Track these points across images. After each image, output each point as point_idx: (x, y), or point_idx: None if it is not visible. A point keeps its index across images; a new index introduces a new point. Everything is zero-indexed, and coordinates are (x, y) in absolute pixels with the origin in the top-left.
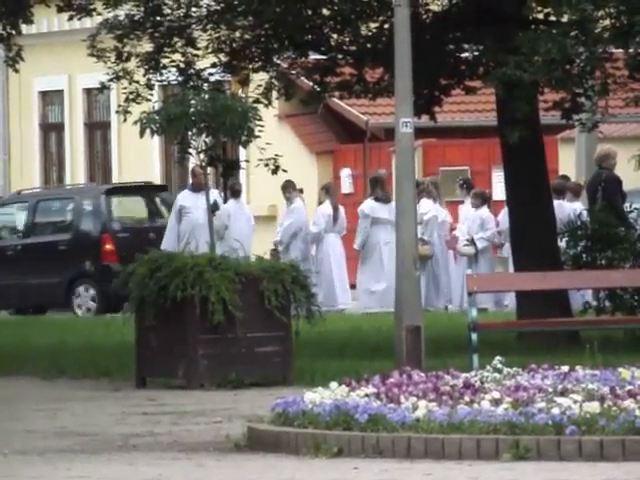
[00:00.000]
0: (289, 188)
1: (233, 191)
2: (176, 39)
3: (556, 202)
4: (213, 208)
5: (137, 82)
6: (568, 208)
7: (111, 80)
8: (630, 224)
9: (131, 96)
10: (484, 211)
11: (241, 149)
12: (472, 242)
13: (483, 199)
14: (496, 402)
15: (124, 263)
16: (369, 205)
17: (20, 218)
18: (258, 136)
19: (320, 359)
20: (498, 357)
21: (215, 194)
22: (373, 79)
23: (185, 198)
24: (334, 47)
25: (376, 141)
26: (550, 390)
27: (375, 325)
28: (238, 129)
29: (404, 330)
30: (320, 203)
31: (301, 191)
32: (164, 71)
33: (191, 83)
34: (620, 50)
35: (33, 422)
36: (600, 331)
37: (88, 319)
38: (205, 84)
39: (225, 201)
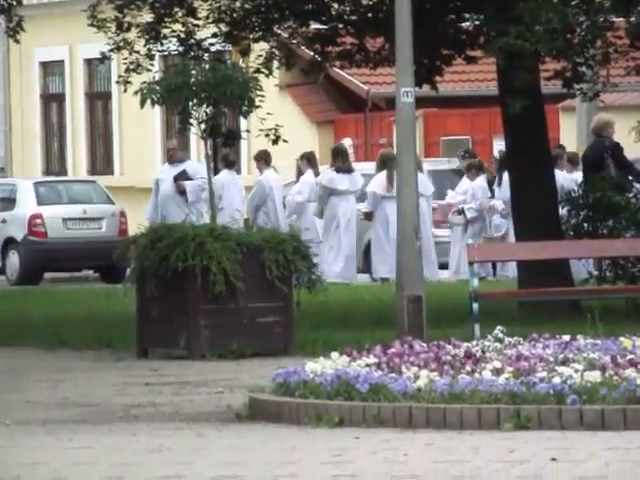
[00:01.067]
0: (260, 159)
1: (227, 162)
2: (176, 9)
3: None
4: (179, 177)
5: (137, 52)
6: (562, 178)
7: (112, 50)
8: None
9: (132, 66)
10: (478, 181)
11: (242, 119)
12: (462, 212)
13: (477, 169)
14: (497, 372)
15: None
16: (327, 176)
17: None
18: (259, 106)
19: (321, 329)
20: (499, 327)
21: (189, 164)
22: (374, 49)
23: (162, 171)
24: (335, 16)
25: (377, 111)
26: (551, 359)
27: (376, 295)
28: (239, 99)
29: (405, 300)
30: (301, 173)
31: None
32: (164, 41)
33: (192, 53)
34: (621, 19)
35: (34, 393)
36: (601, 300)
37: (89, 290)
38: (206, 54)
39: (216, 172)
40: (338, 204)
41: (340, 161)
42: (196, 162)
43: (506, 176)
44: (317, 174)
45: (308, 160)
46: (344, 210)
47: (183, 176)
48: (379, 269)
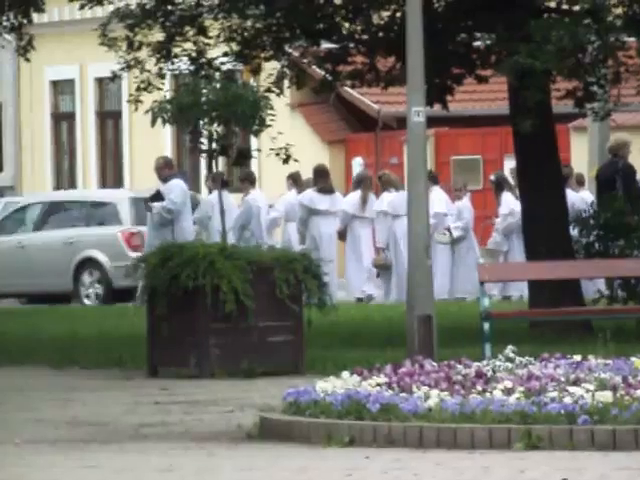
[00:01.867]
0: (244, 180)
1: (252, 181)
2: (187, 28)
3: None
4: (153, 198)
5: (148, 71)
6: (573, 197)
7: (122, 69)
8: None
9: (142, 85)
10: (464, 201)
11: (253, 138)
12: (449, 231)
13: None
14: (508, 391)
15: None
16: (308, 196)
17: None
18: (270, 125)
19: (332, 348)
20: (510, 346)
21: (168, 184)
22: (385, 68)
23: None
24: (346, 36)
25: (388, 130)
26: (562, 379)
27: (387, 314)
28: (250, 118)
29: (416, 319)
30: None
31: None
32: (175, 60)
33: (203, 72)
34: (632, 38)
35: (44, 412)
36: (612, 320)
37: (100, 308)
38: (217, 73)
39: (210, 192)
40: (318, 225)
41: (322, 181)
42: (178, 182)
43: (504, 196)
44: (299, 193)
45: (294, 180)
46: (325, 230)
47: (158, 197)
48: (353, 289)
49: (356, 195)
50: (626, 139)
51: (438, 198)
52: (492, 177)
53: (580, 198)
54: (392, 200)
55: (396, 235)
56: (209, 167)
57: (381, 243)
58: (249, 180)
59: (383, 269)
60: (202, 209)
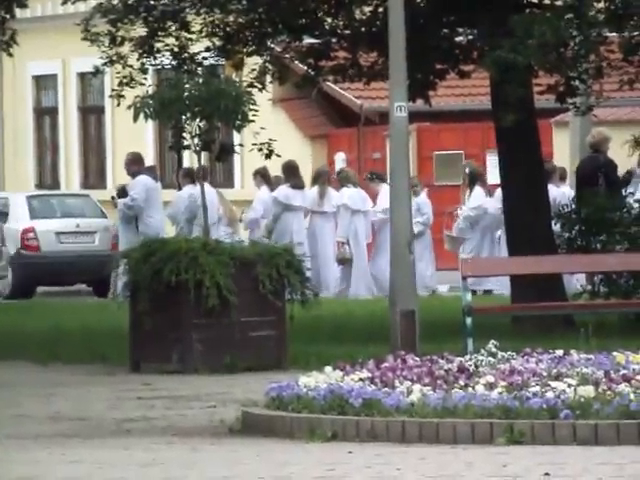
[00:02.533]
0: (185, 176)
1: (198, 177)
2: (170, 23)
3: None
4: (119, 193)
5: (131, 66)
6: (555, 192)
7: (105, 64)
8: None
9: (125, 80)
10: (422, 196)
11: (235, 133)
12: None
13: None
14: (490, 386)
15: None
16: (283, 192)
17: None
18: (252, 120)
19: (314, 343)
20: (492, 341)
21: (134, 180)
22: (367, 63)
23: None
24: (328, 31)
25: (370, 125)
26: (544, 374)
27: (370, 309)
28: (232, 113)
29: (398, 314)
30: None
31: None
32: (158, 55)
33: (185, 67)
34: (614, 33)
35: (27, 407)
36: (594, 315)
37: (82, 303)
38: (199, 68)
39: (179, 187)
40: (292, 220)
41: (293, 177)
42: (143, 178)
43: (476, 190)
44: (272, 190)
45: (262, 176)
46: (297, 226)
47: (124, 192)
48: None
49: (314, 191)
50: (606, 134)
51: (388, 195)
52: (466, 169)
53: (562, 193)
54: (352, 195)
55: (357, 230)
56: (179, 162)
57: (342, 237)
58: (190, 176)
59: (343, 263)
60: (174, 205)
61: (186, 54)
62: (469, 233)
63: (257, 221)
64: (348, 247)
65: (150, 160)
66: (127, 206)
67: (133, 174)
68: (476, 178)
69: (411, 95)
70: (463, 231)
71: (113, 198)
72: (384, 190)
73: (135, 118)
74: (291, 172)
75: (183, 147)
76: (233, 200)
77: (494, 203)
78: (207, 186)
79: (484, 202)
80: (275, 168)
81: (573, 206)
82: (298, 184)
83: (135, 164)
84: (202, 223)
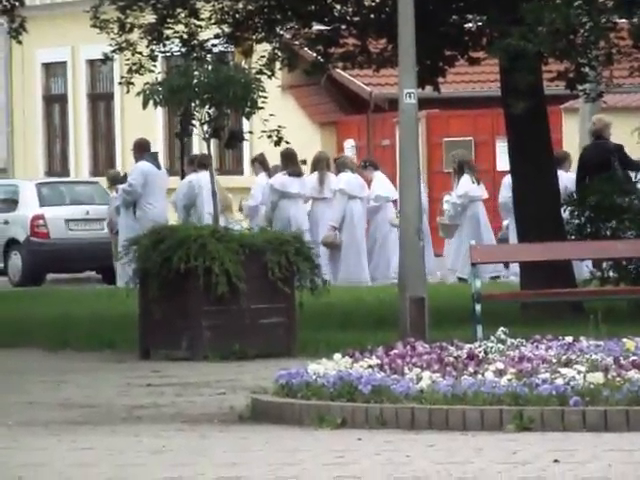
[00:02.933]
0: (188, 163)
1: (199, 164)
2: (179, 10)
3: None
4: (122, 181)
5: (140, 53)
6: (565, 179)
7: (114, 51)
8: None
9: (134, 67)
10: None
11: (244, 120)
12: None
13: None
14: (500, 373)
15: None
16: (280, 180)
17: None
18: (261, 107)
19: (324, 330)
20: (502, 328)
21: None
22: (377, 50)
23: None
24: (337, 18)
25: (380, 112)
26: (554, 361)
27: (379, 296)
28: (241, 100)
29: (408, 301)
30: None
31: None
32: (167, 42)
33: (194, 54)
34: (624, 20)
35: (37, 394)
36: (604, 302)
37: (92, 291)
38: (208, 55)
39: (183, 174)
40: (289, 207)
41: (291, 165)
42: (142, 164)
43: (463, 178)
44: (270, 177)
45: (260, 163)
46: (295, 213)
47: (121, 178)
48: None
49: (314, 177)
50: (607, 120)
51: (380, 182)
52: (455, 158)
53: (572, 180)
54: (348, 180)
55: (353, 215)
56: (182, 150)
57: (334, 222)
58: (191, 163)
59: (331, 247)
60: (178, 192)
61: (195, 41)
62: (459, 219)
63: (256, 208)
64: (338, 233)
65: (159, 147)
66: (125, 191)
67: (136, 160)
68: (464, 167)
69: (420, 82)
70: (454, 218)
71: (112, 184)
72: (377, 178)
73: (144, 105)
74: (289, 159)
75: (187, 134)
76: (242, 187)
77: (480, 192)
78: (205, 174)
79: (470, 190)
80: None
81: (578, 193)
82: (295, 171)
83: (138, 150)
84: (200, 211)
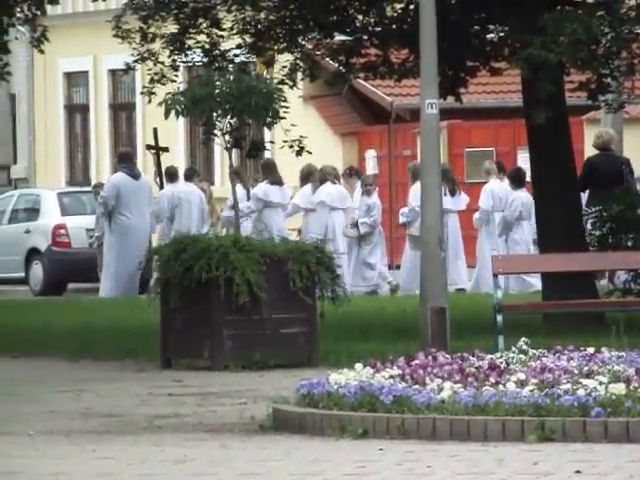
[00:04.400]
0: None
1: (186, 175)
2: (201, 20)
3: None
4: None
5: (162, 63)
6: None
7: (136, 61)
8: None
9: (156, 77)
10: (373, 198)
11: (266, 130)
12: (356, 225)
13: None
14: (521, 384)
15: None
16: (263, 189)
17: None
18: (283, 117)
19: (345, 340)
20: (524, 338)
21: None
22: (398, 60)
23: None
24: (359, 28)
25: (401, 122)
26: (576, 371)
27: (399, 306)
28: (263, 110)
29: (429, 311)
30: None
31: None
32: (189, 52)
33: (216, 64)
34: None
35: (58, 403)
36: (626, 312)
37: (113, 300)
38: (230, 65)
39: (161, 185)
40: (271, 217)
41: (271, 174)
42: (116, 175)
43: (415, 186)
44: (246, 189)
45: (237, 175)
46: (277, 222)
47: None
48: None
49: (307, 189)
50: (614, 134)
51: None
52: (410, 165)
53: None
54: (329, 192)
55: (334, 226)
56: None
57: (315, 233)
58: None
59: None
60: (158, 202)
61: (217, 51)
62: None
63: (232, 220)
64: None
65: (180, 157)
66: (99, 204)
67: (117, 170)
68: (417, 175)
69: (442, 92)
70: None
71: (95, 193)
72: (359, 187)
73: (166, 115)
74: (269, 169)
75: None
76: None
77: (451, 204)
78: (191, 185)
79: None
80: (302, 165)
81: (593, 207)
82: (276, 180)
83: (118, 161)
84: (186, 223)
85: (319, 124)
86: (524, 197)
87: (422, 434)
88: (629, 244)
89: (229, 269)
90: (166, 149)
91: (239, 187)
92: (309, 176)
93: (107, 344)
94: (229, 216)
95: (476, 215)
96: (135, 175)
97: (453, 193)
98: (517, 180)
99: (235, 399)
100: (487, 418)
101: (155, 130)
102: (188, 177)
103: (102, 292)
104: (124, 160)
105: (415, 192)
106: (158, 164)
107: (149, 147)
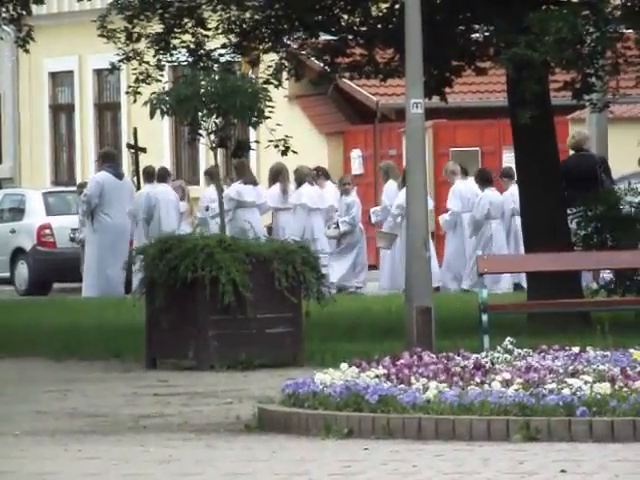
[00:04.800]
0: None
1: (159, 175)
2: (186, 20)
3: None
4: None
5: (147, 63)
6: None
7: (121, 61)
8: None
9: (141, 77)
10: (352, 196)
11: (251, 130)
12: (337, 225)
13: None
14: (507, 383)
15: None
16: (235, 189)
17: None
18: (268, 117)
19: (330, 340)
20: (509, 338)
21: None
22: (384, 60)
23: None
24: (344, 28)
25: (386, 122)
26: (561, 371)
27: (385, 306)
28: (248, 110)
29: (414, 311)
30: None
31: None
32: (174, 52)
33: (201, 64)
34: (631, 30)
35: (44, 403)
36: (611, 312)
37: (98, 300)
38: (215, 65)
39: (138, 186)
40: (245, 216)
41: (244, 174)
42: (98, 175)
43: (387, 185)
44: (219, 189)
45: (210, 176)
46: (254, 222)
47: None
48: None
49: (276, 188)
50: (587, 133)
51: (332, 192)
52: (382, 165)
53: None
54: (309, 193)
55: (313, 228)
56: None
57: (294, 235)
58: (148, 175)
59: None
60: (136, 202)
61: (202, 51)
62: (398, 229)
63: (205, 220)
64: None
65: (166, 157)
66: (82, 202)
67: (97, 170)
68: (389, 173)
69: (427, 92)
70: (393, 228)
71: (79, 193)
72: (328, 187)
73: (151, 115)
74: (242, 170)
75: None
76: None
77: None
78: (164, 186)
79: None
80: (288, 165)
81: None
82: (249, 180)
83: (100, 161)
84: (163, 224)
85: (304, 124)
86: (492, 196)
87: (407, 434)
88: (613, 243)
89: (214, 269)
90: (144, 149)
91: (212, 189)
92: (278, 175)
93: (93, 344)
94: (202, 217)
95: (445, 217)
96: (119, 175)
97: None
98: (484, 180)
99: (220, 399)
100: (472, 417)
101: (135, 130)
102: (162, 177)
103: (84, 291)
104: (108, 159)
105: (388, 191)
106: (136, 164)
107: (129, 146)
